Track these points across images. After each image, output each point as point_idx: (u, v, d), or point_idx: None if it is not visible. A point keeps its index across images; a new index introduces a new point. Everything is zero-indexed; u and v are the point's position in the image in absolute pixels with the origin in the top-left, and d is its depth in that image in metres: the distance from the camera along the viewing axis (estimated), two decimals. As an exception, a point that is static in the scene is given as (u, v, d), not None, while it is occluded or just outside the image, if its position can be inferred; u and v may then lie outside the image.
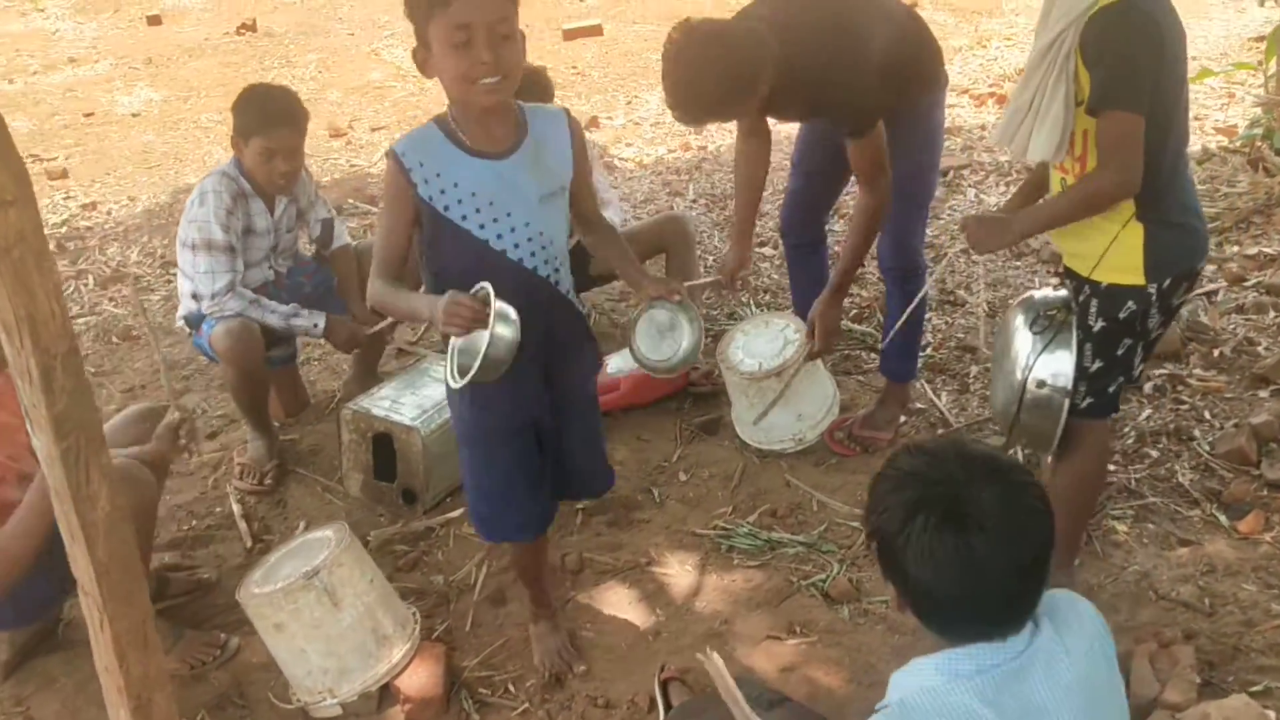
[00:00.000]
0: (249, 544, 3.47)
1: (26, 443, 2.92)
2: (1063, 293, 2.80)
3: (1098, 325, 2.66)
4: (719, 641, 2.94)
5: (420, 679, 2.84)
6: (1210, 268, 4.62)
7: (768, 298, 4.74)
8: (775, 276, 4.89)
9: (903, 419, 3.84)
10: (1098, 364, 2.69)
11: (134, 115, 7.90)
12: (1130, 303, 2.62)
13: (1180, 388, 3.89)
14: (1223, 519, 3.24)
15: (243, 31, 9.67)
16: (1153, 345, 2.80)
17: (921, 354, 4.13)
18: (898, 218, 3.49)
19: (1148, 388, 3.88)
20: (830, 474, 3.65)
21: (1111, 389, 2.73)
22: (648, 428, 3.92)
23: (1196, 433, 3.62)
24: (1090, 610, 1.73)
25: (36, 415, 2.16)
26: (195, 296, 3.63)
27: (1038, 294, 2.91)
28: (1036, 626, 1.64)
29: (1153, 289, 2.61)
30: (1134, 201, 2.55)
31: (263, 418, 3.77)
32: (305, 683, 2.80)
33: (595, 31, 9.08)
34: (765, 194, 3.86)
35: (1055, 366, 2.72)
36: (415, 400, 3.60)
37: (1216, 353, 4.03)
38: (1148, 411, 3.76)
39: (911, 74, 3.27)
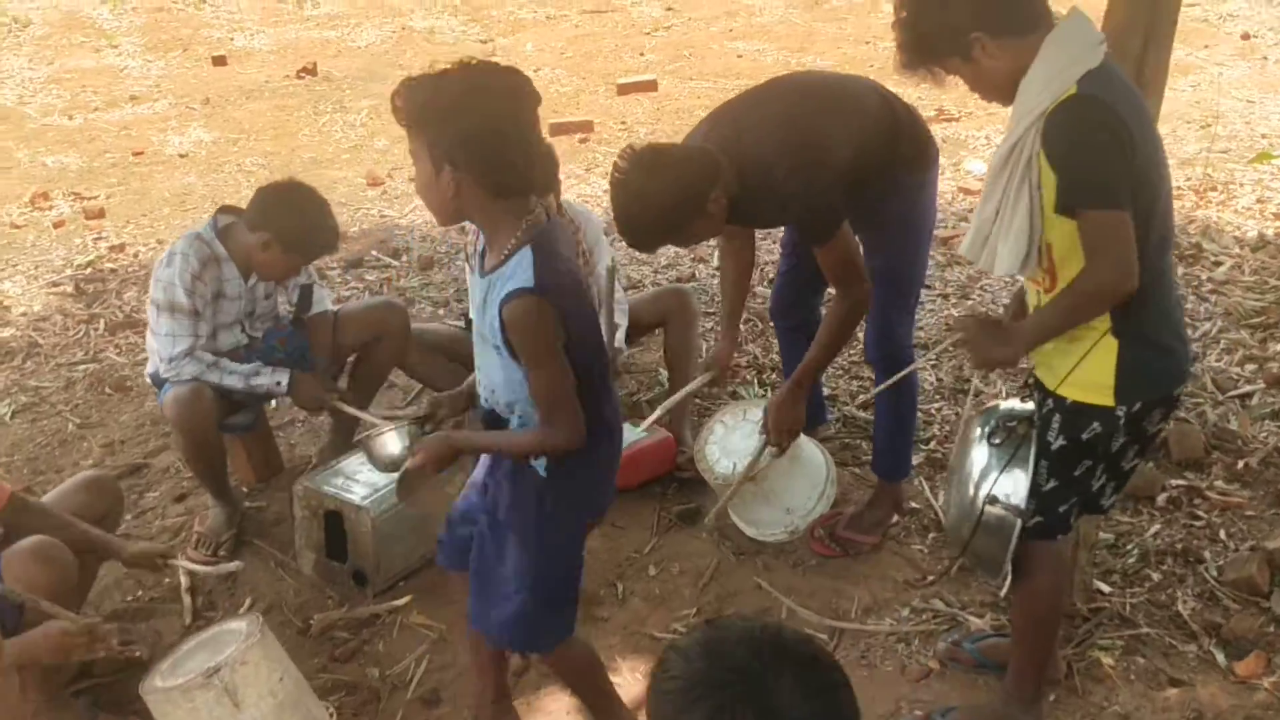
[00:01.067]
0: (189, 620, 3.35)
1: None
2: (1028, 406, 2.57)
3: (1057, 443, 2.44)
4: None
5: (324, 789, 2.67)
6: (1250, 367, 4.32)
7: (774, 376, 4.52)
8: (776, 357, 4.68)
9: (895, 520, 3.60)
10: (1052, 483, 2.47)
11: (181, 156, 7.95)
12: (1095, 424, 2.39)
13: (1197, 501, 3.60)
14: (1220, 657, 2.96)
15: (302, 75, 9.74)
16: (1125, 474, 2.56)
17: (923, 447, 3.90)
18: (881, 306, 3.29)
19: (1161, 499, 3.60)
20: (807, 576, 3.43)
21: (1063, 509, 2.51)
22: (625, 513, 3.72)
23: (1207, 554, 3.33)
24: None
25: None
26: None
27: (1003, 404, 2.69)
28: None
29: (1121, 412, 2.37)
30: (1110, 314, 2.32)
31: (220, 486, 3.65)
32: (204, 784, 2.64)
33: (649, 87, 8.96)
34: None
35: (1010, 485, 2.50)
36: (371, 478, 3.45)
37: (1242, 464, 3.72)
38: (1157, 527, 3.47)
39: (885, 163, 3.09)
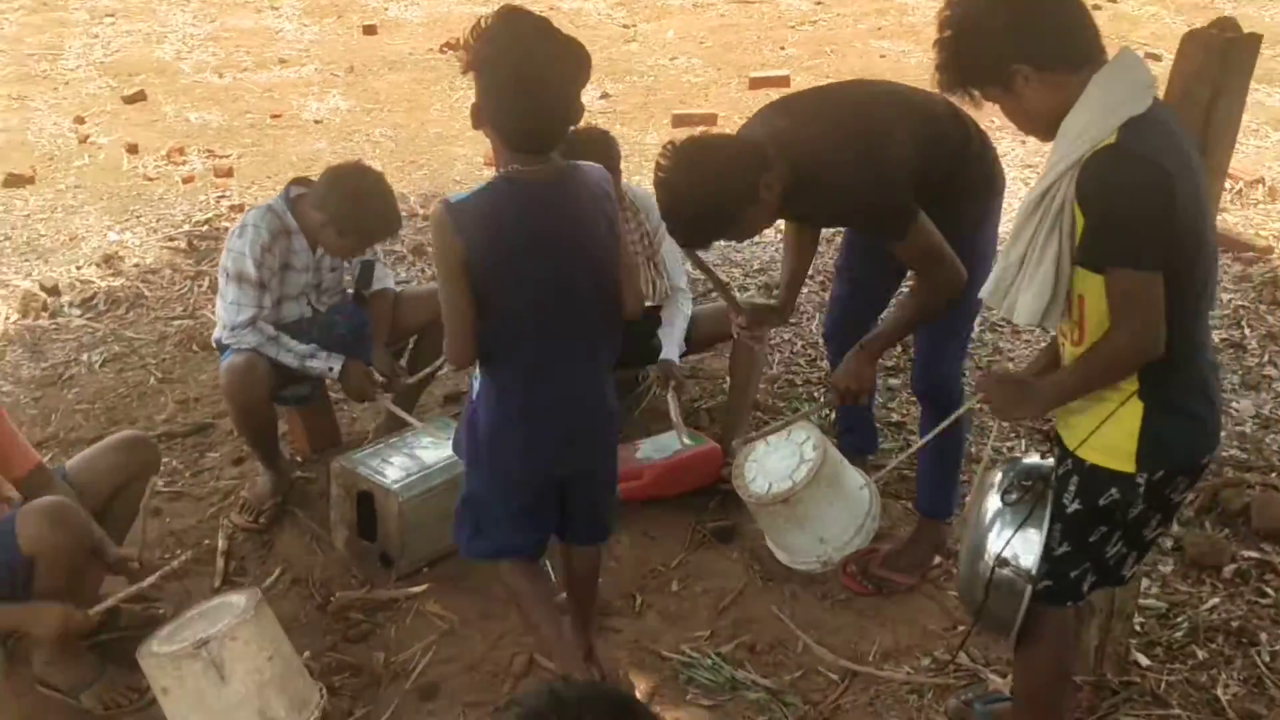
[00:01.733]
0: (218, 584, 3.43)
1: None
2: (1047, 462, 2.43)
3: (1073, 506, 2.30)
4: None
5: (300, 770, 2.70)
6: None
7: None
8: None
9: (936, 561, 3.46)
10: (1064, 548, 2.33)
11: (316, 122, 8.15)
12: (1113, 490, 2.24)
13: (1269, 577, 3.36)
14: (1252, 753, 2.74)
15: (445, 50, 9.87)
16: (1147, 545, 2.39)
17: (968, 486, 3.73)
18: (931, 335, 3.19)
19: (1228, 571, 3.37)
20: (833, 612, 3.32)
21: (1074, 575, 2.36)
22: (659, 524, 3.68)
23: (1263, 637, 3.11)
24: None
25: None
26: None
27: (1023, 459, 2.54)
28: None
29: (1141, 479, 2.22)
30: (1137, 376, 2.17)
31: (269, 454, 3.73)
32: (189, 752, 2.70)
33: (782, 83, 8.80)
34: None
35: (1021, 546, 2.37)
36: (406, 461, 3.48)
37: (1329, 542, 3.46)
38: (1215, 601, 3.25)
39: (951, 182, 2.94)
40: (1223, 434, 3.98)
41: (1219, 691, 2.93)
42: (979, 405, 2.50)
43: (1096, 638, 2.92)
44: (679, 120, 7.86)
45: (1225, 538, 3.52)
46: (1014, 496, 2.41)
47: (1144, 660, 3.03)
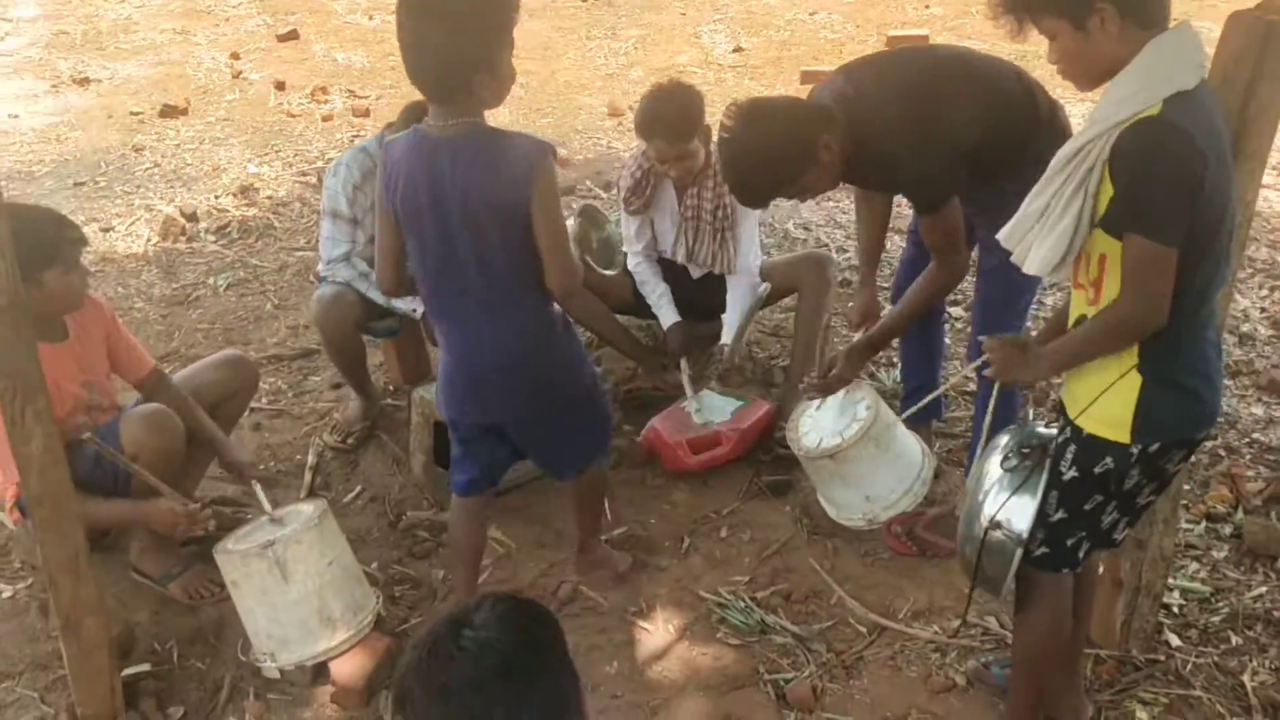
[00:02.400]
0: (303, 495, 3.71)
1: (106, 371, 3.26)
2: (1050, 431, 2.48)
3: (1069, 474, 2.35)
4: (641, 715, 2.86)
5: (349, 667, 2.95)
6: None
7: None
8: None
9: (983, 529, 3.51)
10: (1060, 514, 2.38)
11: (454, 66, 8.42)
12: (1108, 459, 2.29)
13: (1325, 569, 3.31)
14: (1268, 739, 2.76)
15: (586, -1, 10.06)
16: (1139, 511, 2.42)
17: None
18: (989, 306, 3.24)
19: (1282, 562, 3.34)
20: (873, 569, 3.41)
21: (1070, 543, 2.41)
22: (719, 473, 3.81)
23: (1305, 630, 3.08)
24: None
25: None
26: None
27: (1028, 428, 2.59)
28: None
29: (1136, 449, 2.26)
30: (1138, 349, 2.21)
31: (360, 381, 3.99)
32: (254, 640, 2.98)
33: (920, 41, 8.71)
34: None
35: (1013, 511, 2.43)
36: (480, 397, 3.68)
37: (1395, 540, 3.39)
38: (1262, 590, 3.23)
39: (1016, 155, 2.96)
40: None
41: (1245, 677, 2.93)
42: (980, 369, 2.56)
43: (1123, 614, 2.96)
44: (807, 77, 7.87)
45: (1283, 527, 3.47)
46: (1013, 463, 2.47)
47: (1175, 640, 3.05)
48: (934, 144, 2.87)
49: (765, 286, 4.04)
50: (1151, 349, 2.20)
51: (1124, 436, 2.26)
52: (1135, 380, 2.23)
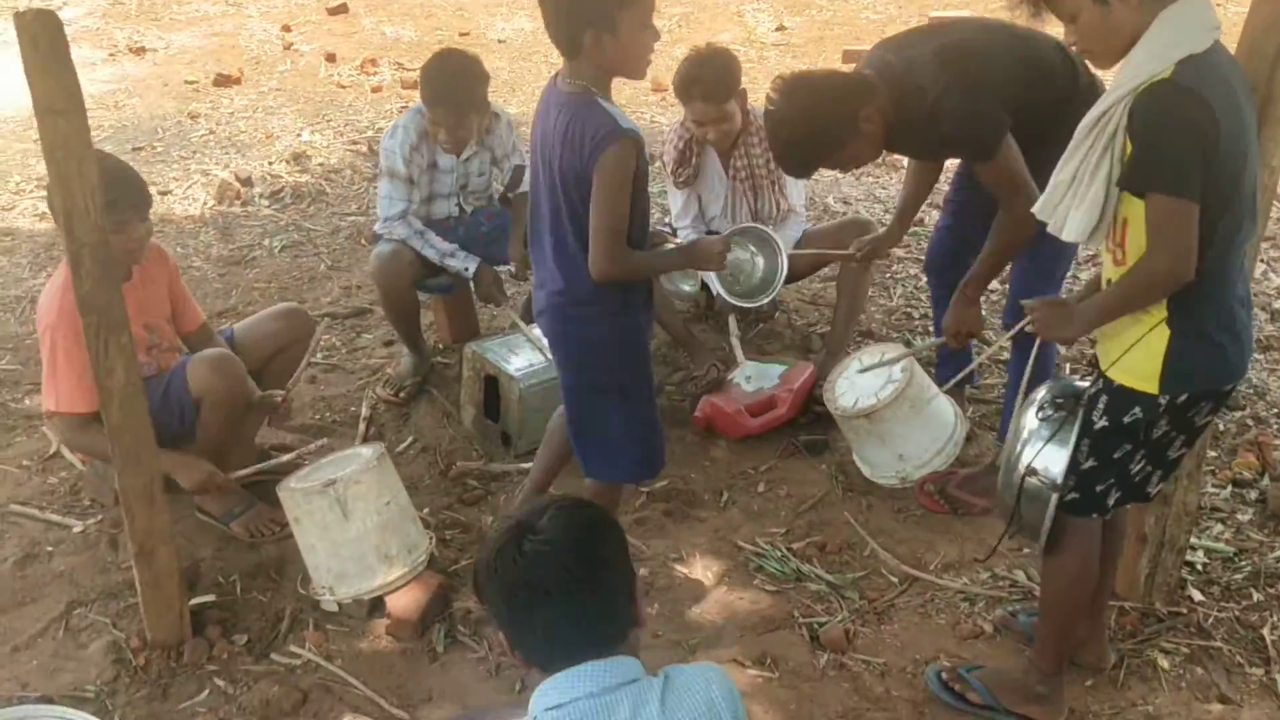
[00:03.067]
0: (357, 443, 3.86)
1: (166, 315, 3.43)
2: (1084, 384, 2.59)
3: (1100, 423, 2.46)
4: (681, 653, 2.99)
5: (405, 601, 3.10)
6: None
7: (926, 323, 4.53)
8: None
9: (1015, 489, 3.62)
10: (1091, 462, 2.50)
11: (500, 41, 8.56)
12: (1137, 409, 2.40)
13: (1351, 535, 3.40)
14: (1282, 687, 2.86)
15: (633, -24, 10.13)
16: (1172, 463, 2.53)
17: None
18: (1024, 274, 3.33)
19: (1311, 524, 3.43)
20: (905, 524, 3.53)
21: (1100, 489, 2.52)
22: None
23: (1325, 589, 3.18)
24: (722, 691, 1.73)
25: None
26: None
27: (1064, 381, 2.70)
28: (648, 679, 1.71)
29: (1164, 400, 2.38)
30: (1166, 304, 2.33)
31: (413, 337, 4.15)
32: (313, 575, 3.14)
33: (962, 18, 8.76)
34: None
35: (1049, 459, 2.55)
36: (530, 354, 3.83)
37: None
38: (1286, 550, 3.33)
39: (1055, 121, 3.03)
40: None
41: (1265, 631, 3.03)
42: (1029, 328, 2.67)
43: (1147, 567, 3.07)
44: (849, 56, 7.94)
45: (1313, 491, 3.56)
46: (1048, 413, 2.58)
47: (1198, 595, 3.16)
48: (977, 89, 2.96)
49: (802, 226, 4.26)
50: (1179, 304, 2.31)
51: (1152, 387, 2.37)
52: (1164, 334, 2.34)
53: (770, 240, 3.90)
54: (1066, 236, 2.41)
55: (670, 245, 3.16)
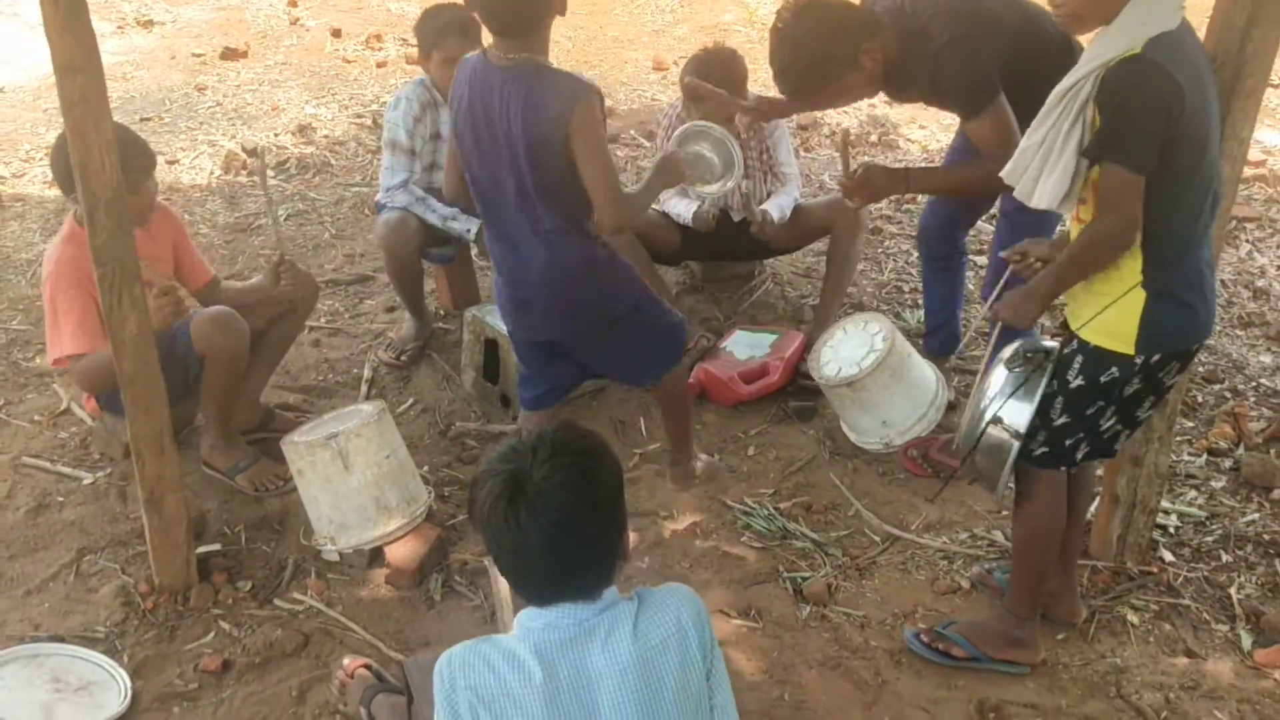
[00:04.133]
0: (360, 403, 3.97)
1: (169, 273, 3.54)
2: (1052, 344, 2.70)
3: (1075, 382, 2.58)
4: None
5: (404, 551, 3.21)
6: None
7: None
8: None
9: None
10: (1064, 419, 2.62)
11: (504, 19, 8.63)
12: (1114, 369, 2.52)
13: (1318, 503, 3.51)
14: (1246, 641, 2.98)
15: (636, -44, 10.19)
16: (1138, 422, 2.64)
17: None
18: (1006, 245, 3.40)
19: (1277, 493, 3.53)
20: (889, 487, 3.64)
21: (1069, 443, 2.64)
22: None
23: (1294, 552, 3.29)
24: (690, 612, 1.83)
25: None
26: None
27: (1032, 339, 2.82)
28: (623, 602, 1.80)
29: (1139, 360, 2.49)
30: (1140, 268, 2.44)
31: (416, 302, 4.25)
32: (316, 525, 3.26)
33: None
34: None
35: (1014, 410, 2.66)
36: (527, 318, 3.93)
37: (1389, 477, 3.58)
38: (1254, 516, 3.44)
39: (1044, 82, 3.12)
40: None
41: (1232, 591, 3.15)
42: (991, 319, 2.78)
43: (1119, 528, 3.18)
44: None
45: (1277, 459, 3.66)
46: (1016, 365, 2.69)
47: (1169, 556, 3.27)
48: (979, 49, 3.04)
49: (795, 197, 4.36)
50: (1154, 268, 2.42)
51: (1129, 349, 2.48)
52: (1140, 296, 2.45)
53: (709, 130, 3.88)
54: (1036, 203, 2.52)
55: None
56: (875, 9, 3.20)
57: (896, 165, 3.30)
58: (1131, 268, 2.45)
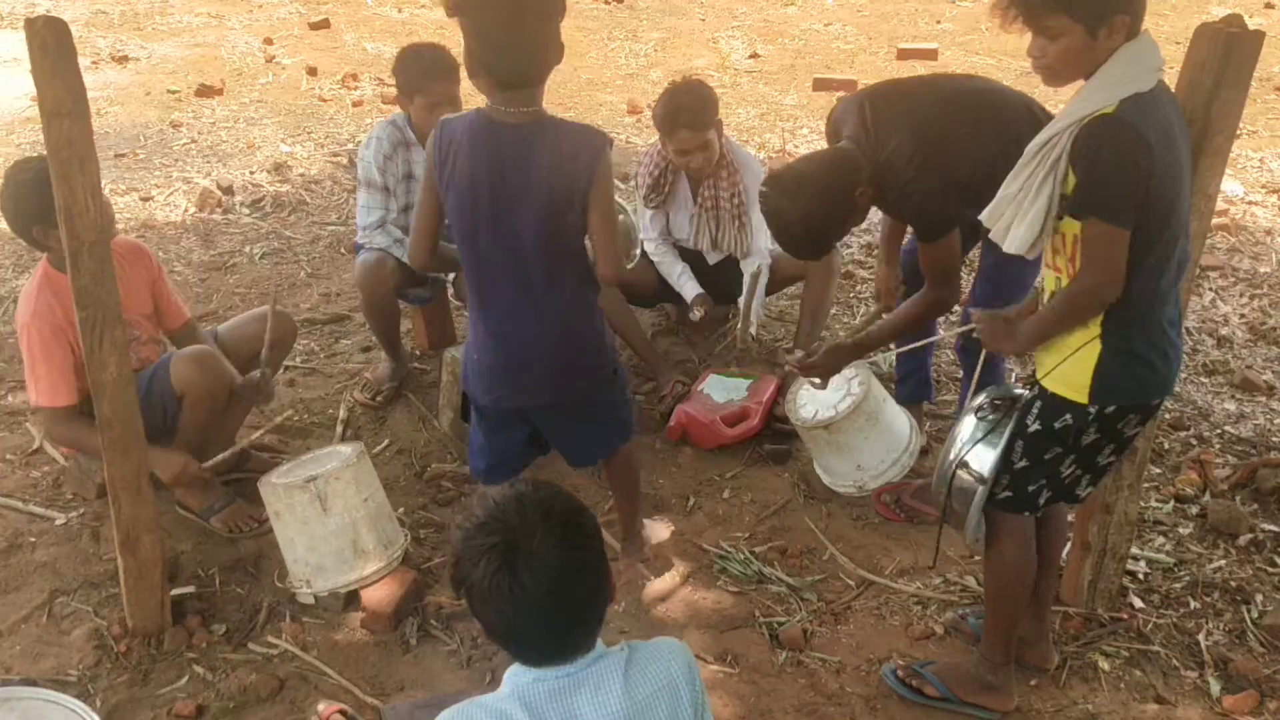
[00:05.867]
0: (335, 444, 3.96)
1: (147, 312, 3.54)
2: (1022, 391, 2.75)
3: (1033, 426, 2.63)
4: (645, 645, 3.11)
5: (379, 595, 3.21)
6: None
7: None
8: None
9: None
10: (1024, 463, 2.67)
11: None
12: (1068, 416, 2.58)
13: (1283, 550, 3.57)
14: (1215, 688, 3.01)
15: (610, 1, 10.32)
16: (1103, 469, 2.70)
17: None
18: (981, 305, 3.45)
19: (1244, 540, 3.59)
20: (863, 531, 3.67)
21: (1031, 489, 2.69)
22: (725, 441, 4.07)
23: (1259, 598, 3.34)
24: (681, 666, 1.84)
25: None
26: (359, 226, 4.17)
27: (1003, 386, 2.87)
28: (613, 654, 1.81)
29: (1093, 410, 2.55)
30: (1101, 322, 2.49)
31: (392, 344, 4.27)
32: (291, 568, 3.24)
33: (930, 55, 8.99)
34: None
35: (981, 457, 2.71)
36: (505, 359, 3.95)
37: (1352, 526, 3.65)
38: (1221, 563, 3.49)
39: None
40: (1278, 421, 4.20)
41: (1200, 637, 3.19)
42: (972, 335, 2.83)
43: (1090, 574, 3.22)
44: (819, 84, 8.15)
45: (1252, 512, 3.73)
46: (985, 414, 2.74)
47: (1138, 603, 3.31)
48: (938, 186, 3.07)
49: (767, 264, 4.31)
50: (1113, 323, 2.48)
51: (1083, 398, 2.54)
52: (1096, 349, 2.51)
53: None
54: (1008, 247, 2.57)
55: None
56: (842, 130, 3.21)
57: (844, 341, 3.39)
58: (1094, 321, 2.50)
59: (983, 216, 2.64)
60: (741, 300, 4.29)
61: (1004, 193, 2.57)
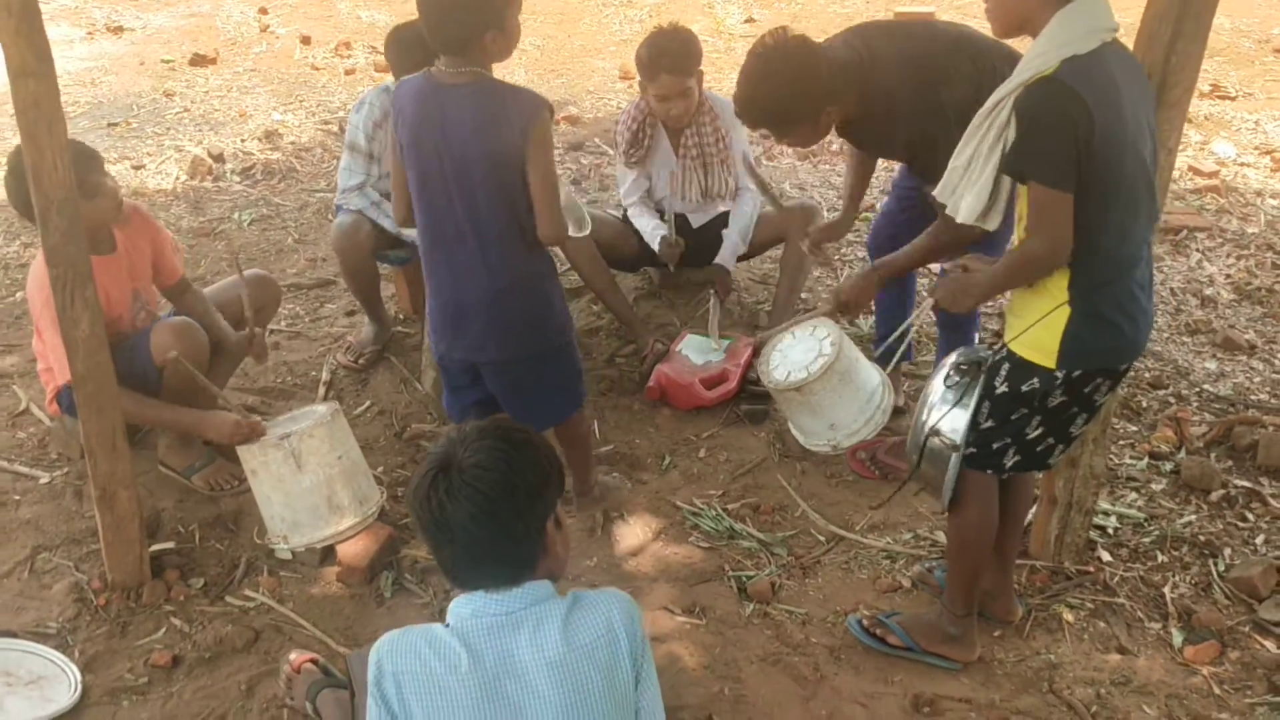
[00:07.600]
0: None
1: (150, 278, 3.58)
2: (989, 352, 2.77)
3: (1000, 388, 2.65)
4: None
5: (355, 549, 3.26)
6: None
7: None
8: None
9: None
10: (990, 423, 2.69)
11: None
12: (1035, 380, 2.59)
13: (1255, 505, 3.60)
14: (1177, 639, 3.05)
15: (605, -33, 10.28)
16: (1071, 437, 2.71)
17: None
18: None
19: (1216, 496, 3.62)
20: (836, 489, 3.71)
21: (996, 447, 2.71)
22: (704, 403, 4.11)
23: (1227, 552, 3.37)
24: (622, 615, 1.87)
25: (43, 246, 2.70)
26: (341, 189, 4.20)
27: (970, 349, 2.89)
28: (555, 599, 1.85)
29: (1060, 374, 2.56)
30: (1068, 285, 2.50)
31: (373, 306, 4.30)
32: (269, 524, 3.29)
33: (927, 17, 8.95)
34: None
35: (952, 421, 2.73)
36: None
37: (1323, 482, 3.67)
38: (1191, 518, 3.52)
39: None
40: (1258, 379, 4.22)
41: (1166, 590, 3.22)
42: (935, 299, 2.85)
43: (1056, 528, 3.26)
44: (814, 50, 8.11)
45: (1226, 469, 3.75)
46: (954, 378, 2.77)
47: (1106, 556, 3.34)
48: (932, 110, 3.10)
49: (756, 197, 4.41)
50: (1080, 287, 2.49)
51: (1049, 362, 2.56)
52: (1064, 313, 2.52)
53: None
54: (960, 218, 2.60)
55: None
56: (835, 52, 3.22)
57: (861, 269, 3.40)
58: (1060, 285, 2.51)
59: (935, 191, 2.66)
60: (709, 322, 4.34)
61: (953, 164, 2.59)
